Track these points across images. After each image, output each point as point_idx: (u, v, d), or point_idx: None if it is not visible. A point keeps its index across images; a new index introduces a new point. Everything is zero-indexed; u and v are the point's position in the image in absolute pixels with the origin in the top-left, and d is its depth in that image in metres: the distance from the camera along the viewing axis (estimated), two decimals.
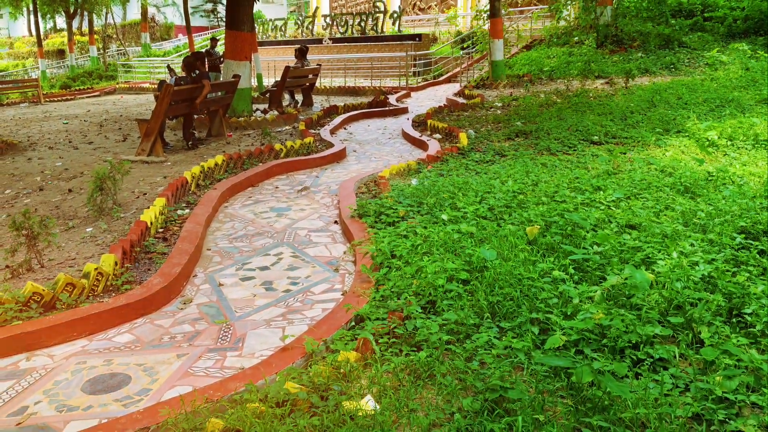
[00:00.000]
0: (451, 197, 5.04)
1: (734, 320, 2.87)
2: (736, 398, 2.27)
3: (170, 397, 2.77)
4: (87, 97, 22.41)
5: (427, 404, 2.40)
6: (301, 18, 28.04)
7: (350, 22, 23.32)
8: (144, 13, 34.11)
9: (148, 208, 5.21)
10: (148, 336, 3.45)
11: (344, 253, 4.66)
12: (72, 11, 31.24)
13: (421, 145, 8.68)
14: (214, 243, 5.00)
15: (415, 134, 9.29)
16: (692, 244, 3.70)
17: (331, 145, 8.85)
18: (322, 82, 18.53)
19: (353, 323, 3.20)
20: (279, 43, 25.75)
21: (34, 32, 32.67)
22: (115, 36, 37.06)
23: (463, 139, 8.02)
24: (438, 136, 9.14)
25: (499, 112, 10.73)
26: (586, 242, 3.77)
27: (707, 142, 6.88)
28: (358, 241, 4.42)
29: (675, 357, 2.62)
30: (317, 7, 31.40)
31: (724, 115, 8.25)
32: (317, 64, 15.44)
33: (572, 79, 13.51)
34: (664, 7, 16.47)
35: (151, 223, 4.92)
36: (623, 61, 14.45)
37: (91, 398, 2.83)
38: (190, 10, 26.55)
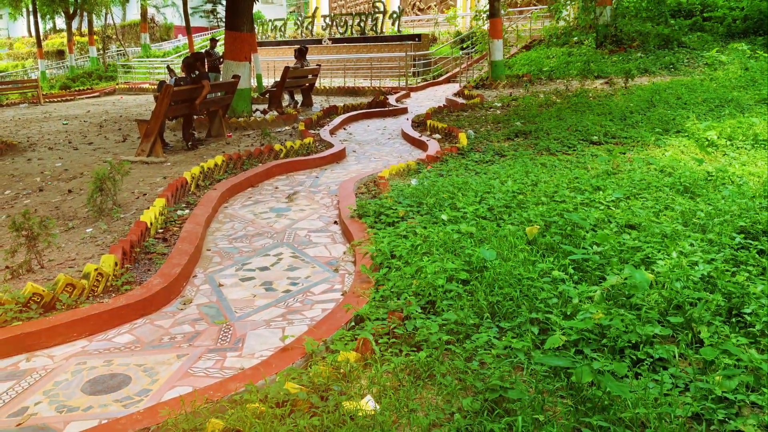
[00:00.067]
0: (450, 197, 5.04)
1: (734, 320, 2.88)
2: (735, 398, 2.28)
3: (170, 397, 2.78)
4: (86, 97, 22.43)
5: (427, 404, 2.40)
6: (300, 18, 28.04)
7: (350, 22, 23.32)
8: (144, 13, 34.14)
9: (148, 208, 5.22)
10: (148, 336, 3.45)
11: (344, 253, 4.66)
12: (71, 12, 31.25)
13: (421, 146, 8.68)
14: (214, 243, 5.01)
15: (415, 134, 9.29)
16: (692, 244, 3.71)
17: (331, 145, 8.86)
18: (322, 82, 18.54)
19: (353, 323, 3.20)
20: (278, 43, 25.75)
21: (33, 33, 32.67)
22: (114, 36, 37.09)
23: (463, 139, 8.02)
24: (437, 136, 9.14)
25: (498, 112, 10.73)
26: (586, 242, 3.77)
27: (706, 142, 6.88)
28: (358, 242, 4.42)
29: (675, 357, 2.62)
30: (317, 8, 31.40)
31: (723, 115, 8.25)
32: (317, 65, 15.43)
33: (572, 79, 13.50)
34: (663, 7, 16.48)
35: (151, 224, 4.93)
36: (622, 61, 14.45)
37: (91, 399, 2.83)
38: (189, 11, 26.57)
